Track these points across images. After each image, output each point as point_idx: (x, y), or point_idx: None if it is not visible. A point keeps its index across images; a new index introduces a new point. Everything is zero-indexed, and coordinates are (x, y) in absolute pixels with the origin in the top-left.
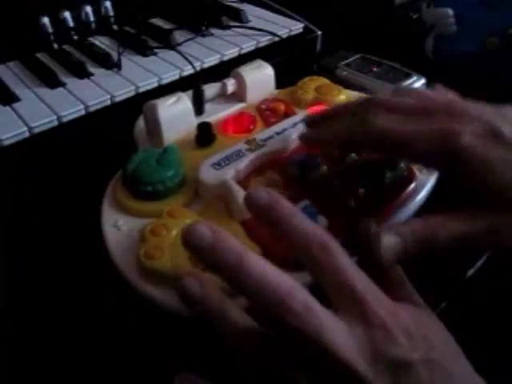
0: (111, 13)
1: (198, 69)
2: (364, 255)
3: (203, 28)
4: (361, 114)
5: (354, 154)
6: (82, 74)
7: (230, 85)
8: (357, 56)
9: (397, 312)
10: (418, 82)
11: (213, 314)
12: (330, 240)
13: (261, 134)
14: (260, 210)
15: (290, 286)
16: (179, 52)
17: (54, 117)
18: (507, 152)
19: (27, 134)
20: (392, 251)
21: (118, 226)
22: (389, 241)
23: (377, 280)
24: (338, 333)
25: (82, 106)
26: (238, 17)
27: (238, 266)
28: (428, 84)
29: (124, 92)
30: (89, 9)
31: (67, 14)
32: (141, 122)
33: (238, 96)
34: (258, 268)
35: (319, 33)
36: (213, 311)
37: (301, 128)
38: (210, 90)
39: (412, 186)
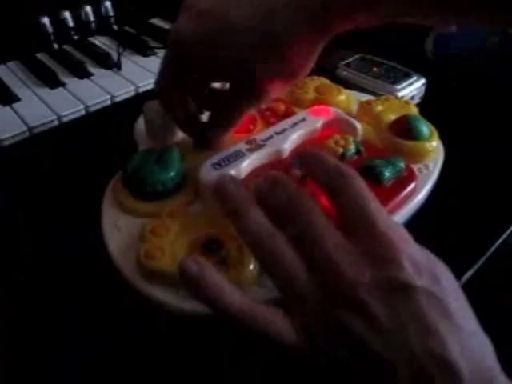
0: (111, 13)
1: None
2: None
3: None
4: None
5: (353, 153)
6: (82, 73)
7: None
8: (357, 56)
9: (411, 243)
10: (418, 82)
11: (210, 293)
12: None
13: (261, 134)
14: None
15: (302, 191)
16: None
17: (54, 117)
18: None
19: (27, 134)
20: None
21: (118, 226)
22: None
23: None
24: (333, 236)
25: (81, 106)
26: None
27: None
28: (428, 84)
29: (124, 92)
30: (89, 9)
31: (67, 14)
32: (141, 122)
33: None
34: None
35: None
36: (210, 291)
37: (301, 128)
38: None
39: (412, 185)
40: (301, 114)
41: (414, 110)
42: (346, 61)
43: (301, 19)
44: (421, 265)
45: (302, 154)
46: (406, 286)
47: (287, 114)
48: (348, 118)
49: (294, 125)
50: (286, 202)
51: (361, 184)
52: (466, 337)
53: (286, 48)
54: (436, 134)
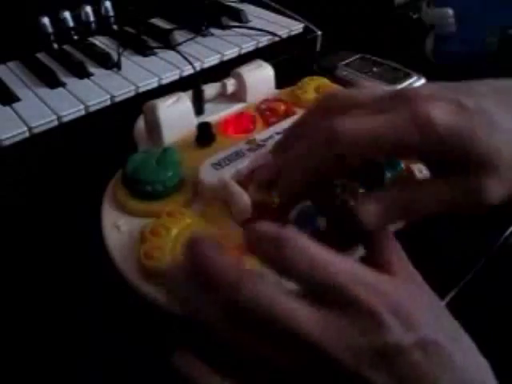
0: (111, 13)
1: (197, 69)
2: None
3: (203, 28)
4: (323, 129)
5: None
6: (82, 73)
7: (230, 85)
8: (357, 56)
9: (381, 289)
10: (418, 82)
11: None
12: (281, 232)
13: (261, 133)
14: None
15: (242, 274)
16: (179, 52)
17: (54, 117)
18: (478, 119)
19: (27, 134)
20: (374, 216)
21: (118, 226)
22: (368, 208)
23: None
24: (313, 324)
25: (81, 106)
26: (237, 17)
27: None
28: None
29: (124, 92)
30: (89, 9)
31: (67, 14)
32: (141, 122)
33: (238, 96)
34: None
35: (319, 33)
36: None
37: None
38: (210, 89)
39: None
40: (301, 114)
41: None
42: (346, 61)
43: None
44: (404, 312)
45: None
46: (399, 349)
47: (287, 114)
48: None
49: None
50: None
51: (304, 243)
52: (465, 374)
53: None
54: None
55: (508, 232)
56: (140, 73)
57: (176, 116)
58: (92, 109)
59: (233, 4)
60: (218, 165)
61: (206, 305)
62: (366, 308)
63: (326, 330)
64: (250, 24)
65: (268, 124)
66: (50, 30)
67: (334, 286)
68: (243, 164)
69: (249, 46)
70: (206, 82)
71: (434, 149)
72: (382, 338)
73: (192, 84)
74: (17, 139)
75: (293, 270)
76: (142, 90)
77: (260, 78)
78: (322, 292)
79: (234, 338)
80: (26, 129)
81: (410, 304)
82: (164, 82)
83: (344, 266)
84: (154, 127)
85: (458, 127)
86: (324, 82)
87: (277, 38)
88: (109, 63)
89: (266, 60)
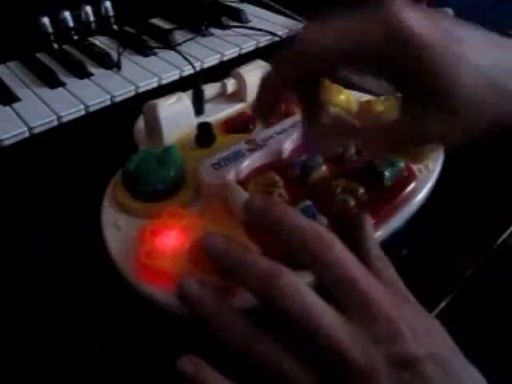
0: (111, 13)
1: (197, 69)
2: (358, 253)
3: (203, 28)
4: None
5: (353, 153)
6: (82, 73)
7: (230, 85)
8: None
9: (400, 306)
10: None
11: (209, 314)
12: (327, 233)
13: (261, 133)
14: (256, 213)
15: (277, 268)
16: (179, 52)
17: (54, 117)
18: (451, 36)
19: (27, 134)
20: None
21: (118, 226)
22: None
23: None
24: (335, 323)
25: (81, 106)
26: (238, 17)
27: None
28: None
29: (124, 92)
30: (89, 9)
31: (67, 14)
32: (141, 122)
33: (238, 96)
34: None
35: None
36: (209, 312)
37: (301, 128)
38: (210, 89)
39: (412, 185)
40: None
41: None
42: None
43: None
44: (418, 327)
45: (255, 210)
46: (412, 360)
47: (287, 114)
48: (348, 117)
49: (294, 125)
50: (262, 286)
51: (342, 250)
52: None
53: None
54: None
55: (508, 232)
56: (140, 73)
57: (176, 116)
58: (92, 109)
59: (233, 4)
60: (217, 165)
61: (226, 310)
62: (384, 316)
63: (346, 332)
64: (250, 24)
65: (268, 124)
66: (50, 30)
67: (357, 295)
68: (243, 164)
69: (249, 46)
70: (206, 82)
71: (398, 53)
72: (400, 348)
73: (192, 84)
74: (17, 139)
75: (322, 269)
76: (141, 89)
77: (260, 77)
78: (343, 292)
79: (253, 345)
80: (25, 129)
81: (416, 318)
82: (164, 82)
83: (366, 274)
84: (154, 127)
85: (430, 37)
86: (324, 82)
87: (277, 38)
88: (109, 63)
89: (266, 60)
